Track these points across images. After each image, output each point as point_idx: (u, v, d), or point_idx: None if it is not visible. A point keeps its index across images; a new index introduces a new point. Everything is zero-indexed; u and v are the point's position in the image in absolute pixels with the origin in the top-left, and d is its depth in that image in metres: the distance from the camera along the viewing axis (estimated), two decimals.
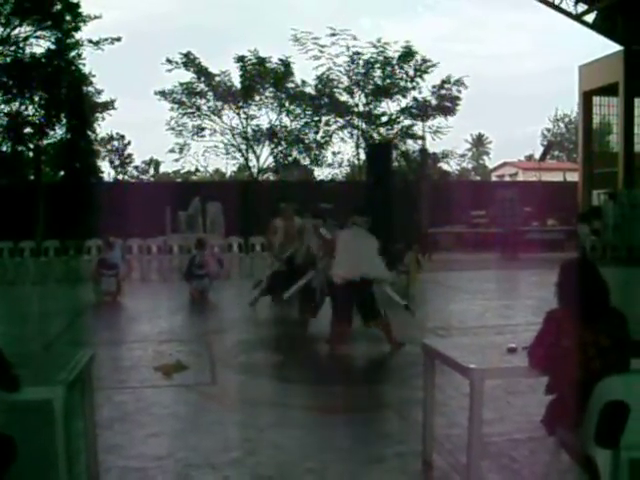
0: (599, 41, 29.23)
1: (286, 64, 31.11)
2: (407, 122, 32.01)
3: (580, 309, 3.90)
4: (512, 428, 5.70)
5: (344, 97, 31.75)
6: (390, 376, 7.86)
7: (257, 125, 32.52)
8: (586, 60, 29.54)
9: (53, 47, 26.93)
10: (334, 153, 33.28)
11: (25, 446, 3.93)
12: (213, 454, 5.17)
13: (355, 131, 32.23)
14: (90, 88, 30.28)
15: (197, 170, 39.99)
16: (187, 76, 31.61)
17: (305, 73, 31.69)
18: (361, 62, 30.72)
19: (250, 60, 31.03)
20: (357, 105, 31.71)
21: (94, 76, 29.76)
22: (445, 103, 31.77)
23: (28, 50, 27.25)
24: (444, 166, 36.45)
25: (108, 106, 34.70)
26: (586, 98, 29.96)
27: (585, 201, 29.07)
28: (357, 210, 9.04)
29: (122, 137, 51.53)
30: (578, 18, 28.12)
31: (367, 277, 8.60)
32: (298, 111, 31.98)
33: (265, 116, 32.40)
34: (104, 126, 35.09)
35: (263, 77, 31.14)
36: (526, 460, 5.00)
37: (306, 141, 32.46)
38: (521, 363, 4.18)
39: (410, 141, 32.26)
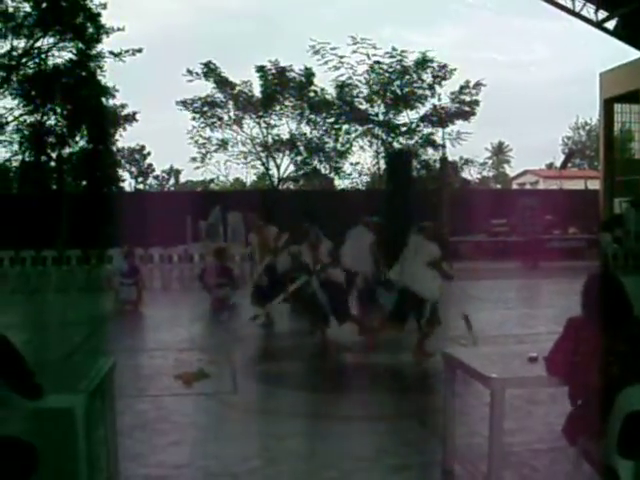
0: (620, 48, 29.03)
1: (306, 73, 31.19)
2: (427, 130, 31.96)
3: (600, 317, 3.89)
4: (533, 438, 5.66)
5: (364, 106, 31.76)
6: (411, 385, 7.83)
7: (277, 134, 32.66)
8: (607, 67, 29.40)
9: (75, 58, 27.17)
10: (352, 164, 33.30)
11: (47, 454, 3.95)
12: (233, 463, 5.17)
13: (375, 140, 32.20)
14: (111, 100, 30.49)
15: (217, 179, 40.08)
16: (208, 87, 31.84)
17: (325, 82, 31.60)
18: (380, 71, 30.70)
19: (270, 70, 31.16)
20: (377, 114, 31.69)
21: (116, 90, 29.95)
22: (464, 107, 31.65)
23: (51, 61, 27.57)
24: (465, 174, 36.34)
25: (129, 118, 34.93)
26: (607, 105, 29.81)
27: (607, 209, 28.89)
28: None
29: (142, 147, 51.87)
30: (599, 25, 28.01)
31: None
32: (318, 120, 32.03)
33: (285, 125, 32.54)
34: (125, 136, 35.24)
35: (284, 86, 31.24)
36: (547, 470, 4.96)
37: (326, 150, 32.50)
38: (542, 372, 4.16)
39: (430, 149, 32.19)
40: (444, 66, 30.87)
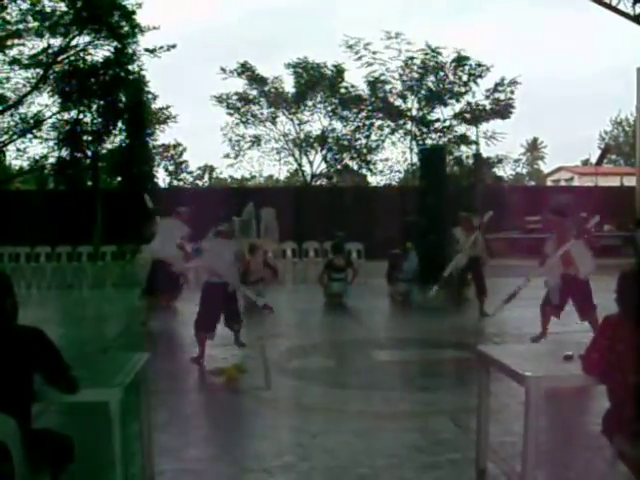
0: None
1: (337, 69, 31.19)
2: (460, 128, 31.78)
3: (637, 315, 3.84)
4: (568, 437, 5.61)
5: (397, 102, 31.65)
6: (444, 382, 7.79)
7: (309, 131, 32.72)
8: None
9: (111, 56, 27.40)
10: (384, 160, 33.20)
11: (82, 447, 3.99)
12: (266, 458, 5.20)
13: (407, 136, 32.05)
14: (147, 97, 30.65)
15: (253, 177, 40.31)
16: (240, 83, 32.00)
17: (357, 77, 31.68)
18: (415, 67, 30.56)
19: (302, 65, 31.20)
20: (410, 110, 31.55)
21: (150, 85, 30.12)
22: (499, 106, 31.40)
23: (87, 59, 27.80)
24: (498, 171, 36.05)
25: (168, 117, 35.20)
26: None
27: None
28: None
29: (179, 144, 52.07)
30: (637, 19, 27.57)
31: None
32: (350, 116, 31.99)
33: (318, 122, 32.57)
34: (161, 133, 35.50)
35: (316, 82, 31.26)
36: (582, 470, 4.92)
37: (357, 146, 32.45)
38: (578, 371, 4.12)
39: (464, 147, 32.00)
40: (480, 64, 30.66)
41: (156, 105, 33.47)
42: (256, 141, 32.97)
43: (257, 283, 13.70)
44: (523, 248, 24.85)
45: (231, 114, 32.59)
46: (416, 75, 30.68)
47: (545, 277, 9.28)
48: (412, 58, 30.27)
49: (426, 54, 30.17)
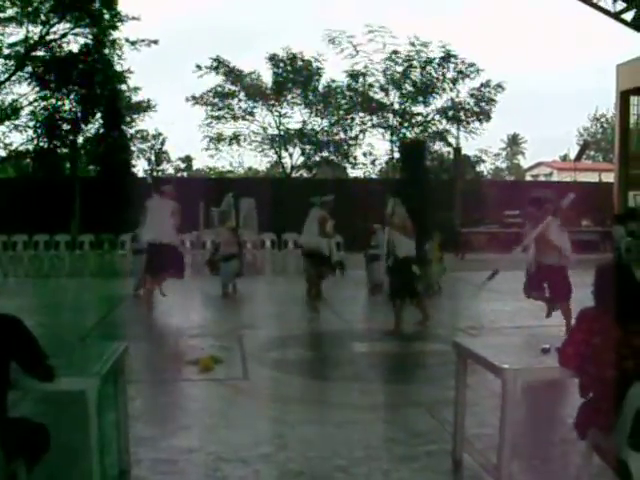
0: (638, 39, 28.70)
1: (318, 61, 31.12)
2: (442, 126, 31.81)
3: (614, 309, 3.87)
4: (544, 429, 5.65)
5: (379, 95, 31.62)
6: (422, 375, 7.83)
7: (288, 123, 32.64)
8: (624, 59, 29.12)
9: (90, 43, 27.21)
10: (365, 154, 33.20)
11: (58, 436, 3.97)
12: (244, 448, 5.19)
13: (388, 130, 32.03)
14: (125, 86, 30.46)
15: (230, 171, 40.22)
16: (218, 79, 31.86)
17: (339, 70, 31.53)
18: (400, 60, 30.49)
19: (282, 58, 31.09)
20: (392, 104, 31.53)
21: (131, 72, 29.90)
22: (482, 105, 31.46)
23: (66, 47, 27.60)
24: (478, 167, 36.14)
25: (146, 107, 34.93)
26: (623, 98, 29.50)
27: (621, 202, 28.67)
28: None
29: (159, 134, 51.69)
30: (616, 16, 27.71)
31: None
32: (330, 109, 31.90)
33: (298, 114, 32.49)
34: (141, 124, 35.33)
35: (294, 75, 31.16)
36: (558, 462, 4.96)
37: (336, 140, 32.40)
38: (554, 364, 4.15)
39: (443, 142, 32.06)
40: (471, 64, 30.66)
41: (136, 96, 33.31)
42: (235, 139, 32.86)
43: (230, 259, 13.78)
44: (502, 242, 25.01)
45: (210, 112, 32.46)
46: (399, 69, 30.64)
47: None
48: (396, 52, 30.23)
49: (411, 48, 30.15)
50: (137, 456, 4.94)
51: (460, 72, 30.77)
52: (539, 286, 9.26)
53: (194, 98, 32.20)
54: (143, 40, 28.43)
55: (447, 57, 30.39)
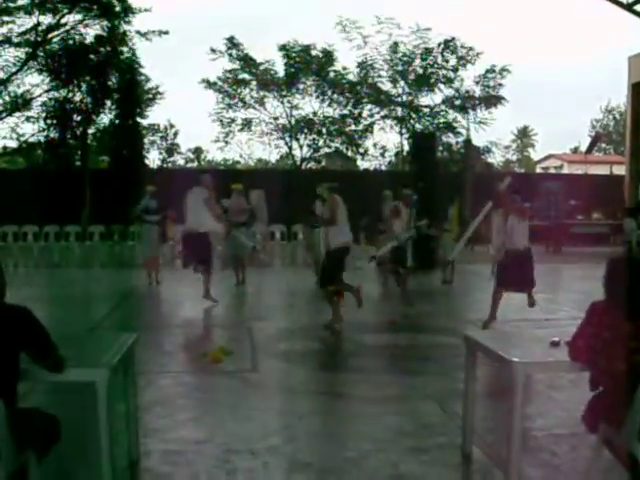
0: None
1: (329, 52, 31.05)
2: (450, 114, 31.72)
3: (624, 303, 3.85)
4: (553, 423, 5.64)
5: (387, 87, 31.57)
6: (431, 367, 7.81)
7: (299, 114, 32.57)
8: (637, 51, 28.93)
9: (102, 34, 27.22)
10: (375, 145, 33.15)
11: (68, 427, 3.98)
12: (252, 440, 5.20)
13: (397, 121, 31.95)
14: (138, 76, 30.42)
15: (237, 162, 40.20)
16: (230, 65, 31.80)
17: (348, 61, 31.51)
18: (403, 51, 30.43)
19: (293, 48, 31.03)
20: (400, 95, 31.47)
21: (141, 66, 29.84)
22: (489, 93, 31.35)
23: (77, 38, 27.59)
24: (488, 158, 36.05)
25: (156, 95, 34.90)
26: (635, 90, 29.31)
27: (632, 195, 28.54)
28: None
29: (171, 126, 51.73)
30: (629, 8, 27.54)
31: None
32: (341, 99, 31.86)
33: (308, 105, 32.43)
34: (152, 115, 35.31)
35: (306, 65, 31.10)
36: (567, 456, 4.94)
37: (347, 131, 32.36)
38: (564, 357, 4.13)
39: (452, 134, 31.97)
40: (471, 49, 30.60)
41: (147, 85, 33.27)
42: (247, 124, 32.79)
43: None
44: None
45: (219, 99, 32.42)
46: (405, 59, 30.57)
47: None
48: (396, 43, 30.12)
49: (415, 36, 30.04)
50: (146, 447, 4.96)
51: (461, 58, 30.66)
52: (510, 276, 9.29)
53: (207, 82, 32.12)
54: (153, 31, 28.40)
55: (446, 43, 30.27)
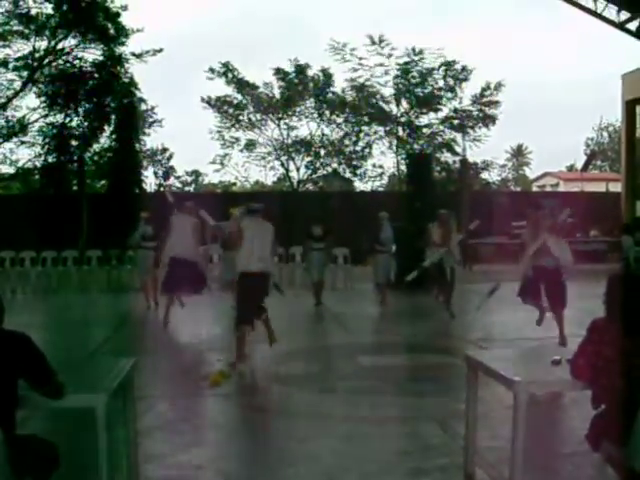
0: None
1: (326, 73, 31.23)
2: (448, 133, 31.88)
3: (624, 320, 3.84)
4: (556, 442, 5.61)
5: (384, 107, 31.70)
6: (432, 387, 7.78)
7: (296, 136, 32.69)
8: (630, 69, 29.12)
9: (98, 59, 27.38)
10: (374, 165, 33.27)
11: (67, 453, 3.95)
12: (253, 464, 5.16)
13: (395, 142, 32.09)
14: (135, 99, 30.54)
15: (233, 184, 40.30)
16: (227, 90, 32.00)
17: (345, 82, 31.64)
18: (399, 72, 30.64)
19: (290, 70, 31.22)
20: (397, 116, 31.62)
21: (138, 89, 29.94)
22: (486, 110, 31.55)
23: (74, 63, 27.73)
24: (485, 176, 36.19)
25: (154, 121, 35.08)
26: (629, 107, 29.49)
27: (629, 212, 28.61)
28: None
29: (165, 150, 51.83)
30: (621, 26, 27.76)
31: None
32: (339, 120, 32.01)
33: (305, 127, 32.56)
34: (149, 137, 35.41)
35: (303, 86, 31.28)
36: (570, 475, 4.91)
37: (346, 152, 32.48)
38: (566, 376, 4.11)
39: (450, 153, 32.11)
40: (464, 68, 30.83)
41: (145, 111, 33.43)
42: (247, 145, 32.89)
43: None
44: (509, 253, 24.92)
45: (221, 118, 32.54)
46: (402, 80, 30.76)
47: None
48: (396, 63, 30.41)
49: (410, 59, 30.26)
50: (147, 473, 4.92)
51: (457, 78, 30.91)
52: (535, 291, 9.31)
53: (209, 101, 32.23)
54: (148, 51, 28.54)
55: (445, 64, 30.53)
